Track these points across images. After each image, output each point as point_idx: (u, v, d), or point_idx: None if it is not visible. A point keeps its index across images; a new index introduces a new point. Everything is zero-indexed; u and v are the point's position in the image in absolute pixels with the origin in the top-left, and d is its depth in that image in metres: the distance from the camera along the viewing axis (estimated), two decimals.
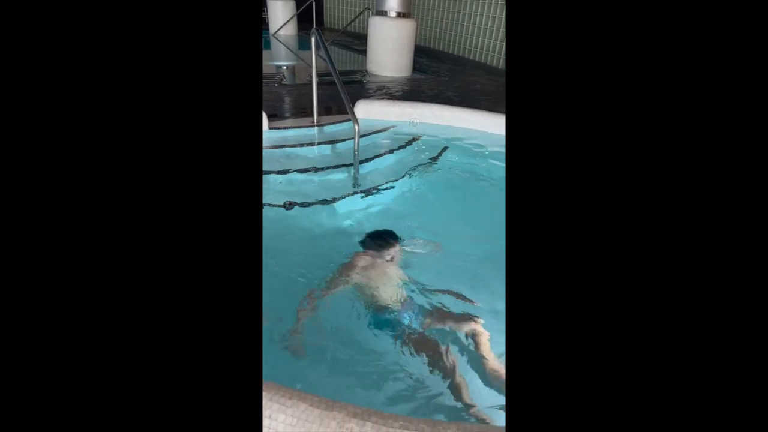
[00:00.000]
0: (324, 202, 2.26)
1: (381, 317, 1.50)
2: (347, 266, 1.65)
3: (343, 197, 2.33)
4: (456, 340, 1.45)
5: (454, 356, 1.39)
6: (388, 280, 1.61)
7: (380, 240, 1.71)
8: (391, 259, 1.67)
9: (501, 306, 1.61)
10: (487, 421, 1.19)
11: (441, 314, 1.54)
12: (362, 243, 1.74)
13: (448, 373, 1.34)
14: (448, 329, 1.48)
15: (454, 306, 1.58)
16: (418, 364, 1.38)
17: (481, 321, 1.46)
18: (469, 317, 1.51)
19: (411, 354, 1.41)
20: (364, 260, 1.66)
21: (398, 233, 1.81)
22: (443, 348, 1.41)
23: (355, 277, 1.61)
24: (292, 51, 5.17)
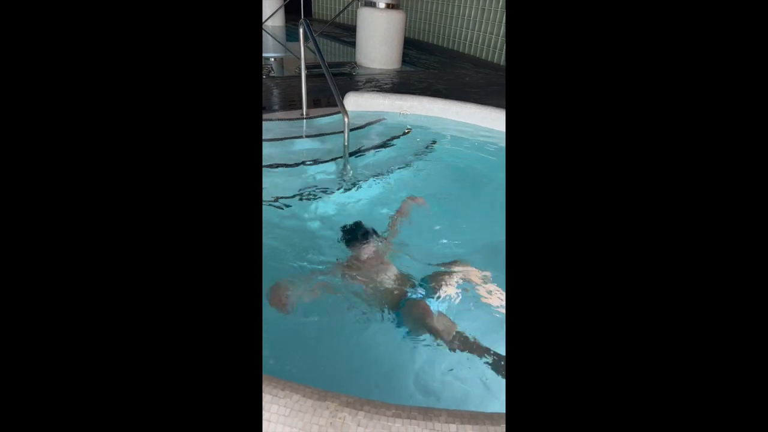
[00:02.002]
0: (314, 195, 2.25)
1: (378, 308, 1.51)
2: (343, 267, 1.65)
3: (333, 190, 2.32)
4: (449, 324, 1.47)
5: (451, 341, 1.41)
6: (379, 271, 1.62)
7: (360, 235, 1.71)
8: (376, 252, 1.67)
9: (491, 293, 1.63)
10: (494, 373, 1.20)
11: (434, 300, 1.55)
12: (346, 242, 1.73)
13: (444, 358, 1.37)
14: (440, 313, 1.50)
15: (449, 291, 1.59)
16: (410, 350, 1.40)
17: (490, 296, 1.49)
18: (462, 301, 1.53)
19: (405, 342, 1.42)
20: (355, 257, 1.66)
21: (376, 225, 1.82)
22: (438, 334, 1.43)
23: (351, 274, 1.61)
24: (280, 42, 5.09)
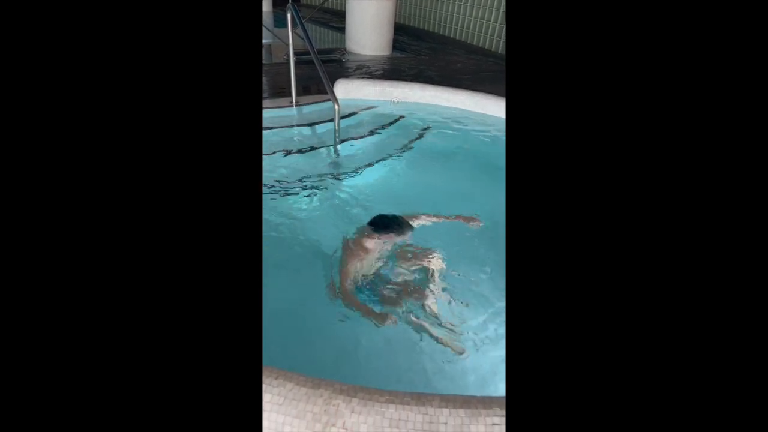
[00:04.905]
0: (304, 184, 2.24)
1: (371, 294, 1.52)
2: (357, 248, 1.62)
3: (323, 179, 2.30)
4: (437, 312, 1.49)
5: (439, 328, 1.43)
6: (377, 260, 1.62)
7: (391, 227, 1.65)
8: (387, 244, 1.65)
9: (487, 279, 1.64)
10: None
11: (424, 290, 1.56)
12: (376, 228, 1.65)
13: (434, 343, 1.38)
14: (431, 301, 1.51)
15: (440, 280, 1.60)
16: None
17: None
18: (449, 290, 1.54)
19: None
20: (371, 243, 1.63)
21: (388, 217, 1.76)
22: (429, 320, 1.44)
23: (363, 257, 1.59)
24: (267, 28, 4.97)
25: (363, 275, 1.57)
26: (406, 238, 1.65)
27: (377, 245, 1.62)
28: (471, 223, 1.83)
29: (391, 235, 1.62)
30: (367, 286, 1.55)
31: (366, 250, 1.60)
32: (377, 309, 1.47)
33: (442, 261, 1.67)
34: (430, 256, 1.67)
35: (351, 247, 1.62)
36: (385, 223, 1.64)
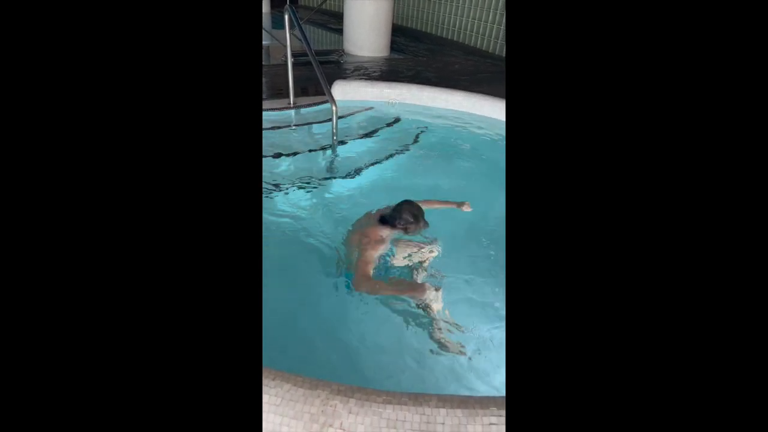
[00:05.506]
0: (301, 185, 2.24)
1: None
2: (370, 238, 1.61)
3: (321, 180, 2.30)
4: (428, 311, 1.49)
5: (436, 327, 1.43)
6: (389, 248, 1.62)
7: (404, 216, 1.64)
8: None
9: (484, 279, 1.65)
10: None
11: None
12: (392, 218, 1.64)
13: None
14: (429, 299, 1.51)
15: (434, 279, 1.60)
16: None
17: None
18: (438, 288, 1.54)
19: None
20: (384, 233, 1.62)
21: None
22: (428, 320, 1.44)
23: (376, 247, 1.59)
24: (265, 30, 4.97)
25: (384, 261, 1.58)
26: (417, 232, 1.66)
27: (390, 235, 1.63)
28: (462, 208, 1.89)
29: (406, 227, 1.63)
30: (387, 272, 1.56)
31: (381, 240, 1.60)
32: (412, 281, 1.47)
33: (442, 255, 1.67)
34: (432, 249, 1.67)
35: (365, 238, 1.61)
36: (397, 217, 1.64)
